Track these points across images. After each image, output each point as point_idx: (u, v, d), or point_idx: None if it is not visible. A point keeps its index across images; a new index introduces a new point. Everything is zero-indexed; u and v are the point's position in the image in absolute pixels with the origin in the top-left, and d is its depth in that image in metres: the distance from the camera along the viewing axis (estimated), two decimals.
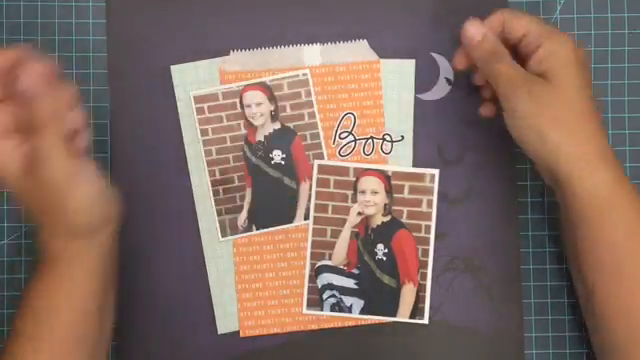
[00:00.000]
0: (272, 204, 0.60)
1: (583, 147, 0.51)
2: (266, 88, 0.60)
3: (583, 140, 0.51)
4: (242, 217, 0.60)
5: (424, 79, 0.61)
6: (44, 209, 0.50)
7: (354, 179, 0.60)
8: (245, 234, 0.60)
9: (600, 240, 0.52)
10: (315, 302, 0.60)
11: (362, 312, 0.60)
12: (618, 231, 0.51)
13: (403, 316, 0.60)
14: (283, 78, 0.60)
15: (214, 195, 0.60)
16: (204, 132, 0.60)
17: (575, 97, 0.51)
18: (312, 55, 0.61)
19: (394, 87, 0.60)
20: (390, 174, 0.60)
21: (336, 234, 0.60)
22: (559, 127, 0.51)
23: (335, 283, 0.60)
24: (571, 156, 0.51)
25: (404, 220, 0.60)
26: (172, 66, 0.60)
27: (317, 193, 0.61)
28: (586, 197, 0.51)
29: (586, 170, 0.51)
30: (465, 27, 0.54)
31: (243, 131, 0.61)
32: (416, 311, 0.60)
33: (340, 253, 0.60)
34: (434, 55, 0.61)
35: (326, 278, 0.60)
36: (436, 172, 0.61)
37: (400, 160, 0.61)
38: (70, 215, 0.49)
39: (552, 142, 0.51)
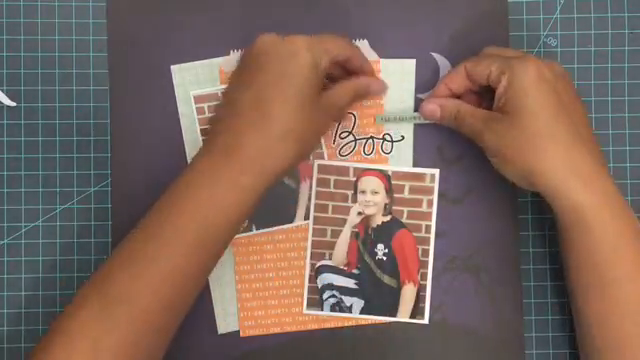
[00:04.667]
0: (272, 204, 0.60)
1: (558, 170, 0.51)
2: None
3: (557, 163, 0.51)
4: None
5: (424, 79, 0.61)
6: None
7: (354, 179, 0.60)
8: (245, 234, 0.60)
9: (583, 262, 0.52)
10: (315, 302, 0.60)
11: (362, 312, 0.60)
12: (601, 253, 0.51)
13: (403, 316, 0.60)
14: None
15: None
16: (204, 132, 0.60)
17: (539, 121, 0.51)
18: None
19: (395, 87, 0.60)
20: (390, 174, 0.60)
21: (336, 234, 0.60)
22: (527, 156, 0.51)
23: (335, 283, 0.60)
24: (547, 180, 0.51)
25: (404, 220, 0.60)
26: (172, 66, 0.60)
27: (317, 193, 0.60)
28: (566, 219, 0.51)
29: (563, 192, 0.51)
30: (421, 108, 0.58)
31: None
32: (416, 311, 0.60)
33: (340, 253, 0.60)
34: (434, 55, 0.61)
35: (326, 278, 0.60)
36: (436, 172, 0.61)
37: (400, 160, 0.61)
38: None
39: (525, 172, 0.52)
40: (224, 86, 0.60)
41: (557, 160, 0.51)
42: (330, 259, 0.60)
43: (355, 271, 0.60)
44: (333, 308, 0.60)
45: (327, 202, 0.60)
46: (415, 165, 0.61)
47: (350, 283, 0.60)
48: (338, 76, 0.57)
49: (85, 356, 0.48)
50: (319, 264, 0.60)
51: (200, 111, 0.60)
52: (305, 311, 0.60)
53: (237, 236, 0.60)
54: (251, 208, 0.51)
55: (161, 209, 0.52)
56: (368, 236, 0.60)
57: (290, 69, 0.51)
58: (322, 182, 0.60)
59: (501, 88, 0.53)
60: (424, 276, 0.60)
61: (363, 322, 0.60)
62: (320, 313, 0.60)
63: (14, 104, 0.60)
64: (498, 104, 0.53)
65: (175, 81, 0.60)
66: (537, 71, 0.52)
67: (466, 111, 0.56)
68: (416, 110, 0.60)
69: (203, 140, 0.60)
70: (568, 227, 0.52)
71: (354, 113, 0.60)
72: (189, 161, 0.60)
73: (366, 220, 0.60)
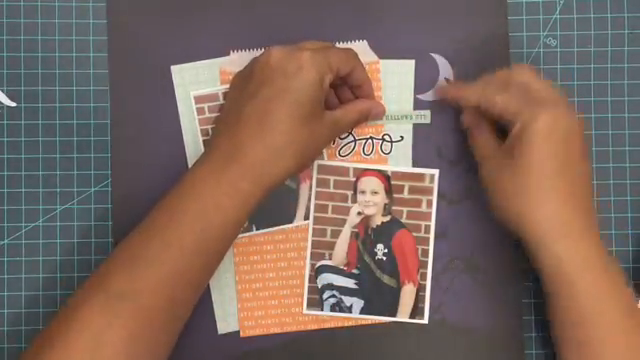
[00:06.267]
0: (272, 204, 0.60)
1: (546, 222, 0.51)
2: None
3: (548, 216, 0.51)
4: None
5: (424, 79, 0.61)
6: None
7: (354, 179, 0.60)
8: (245, 234, 0.60)
9: (566, 317, 0.52)
10: (315, 302, 0.60)
11: (362, 312, 0.60)
12: (584, 310, 0.51)
13: (403, 316, 0.60)
14: None
15: None
16: (204, 132, 0.60)
17: (541, 175, 0.51)
18: None
19: (394, 87, 0.61)
20: (390, 174, 0.60)
21: (336, 234, 0.60)
22: (521, 202, 0.52)
23: (335, 283, 0.60)
24: (534, 229, 0.52)
25: (404, 220, 0.60)
26: (172, 66, 0.60)
27: (317, 193, 0.61)
28: (547, 270, 0.52)
29: (546, 243, 0.51)
30: (442, 90, 0.59)
31: None
32: (416, 311, 0.60)
33: (340, 253, 0.60)
34: (434, 55, 0.61)
35: (326, 278, 0.60)
36: (436, 172, 0.61)
37: (400, 160, 0.61)
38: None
39: (515, 215, 0.52)
40: (224, 86, 0.60)
41: (548, 213, 0.51)
42: (330, 259, 0.60)
43: (355, 271, 0.60)
44: (333, 308, 0.60)
45: (327, 202, 0.60)
46: (414, 165, 0.61)
47: (350, 283, 0.60)
48: (335, 85, 0.57)
49: (86, 350, 0.48)
50: (319, 264, 0.60)
51: (200, 111, 0.60)
52: (305, 311, 0.60)
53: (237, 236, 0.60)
54: (250, 212, 0.52)
55: (165, 208, 0.52)
56: (368, 236, 0.61)
57: (294, 85, 0.52)
58: (322, 182, 0.61)
59: (515, 131, 0.52)
60: (424, 276, 0.60)
61: (363, 322, 0.60)
62: (320, 313, 0.60)
63: (14, 104, 0.60)
64: (509, 143, 0.53)
65: (175, 81, 0.60)
66: (552, 125, 0.51)
67: (486, 131, 0.56)
68: (415, 110, 0.60)
69: (203, 140, 0.60)
70: (550, 280, 0.52)
71: None
72: (189, 161, 0.60)
73: (366, 220, 0.61)
